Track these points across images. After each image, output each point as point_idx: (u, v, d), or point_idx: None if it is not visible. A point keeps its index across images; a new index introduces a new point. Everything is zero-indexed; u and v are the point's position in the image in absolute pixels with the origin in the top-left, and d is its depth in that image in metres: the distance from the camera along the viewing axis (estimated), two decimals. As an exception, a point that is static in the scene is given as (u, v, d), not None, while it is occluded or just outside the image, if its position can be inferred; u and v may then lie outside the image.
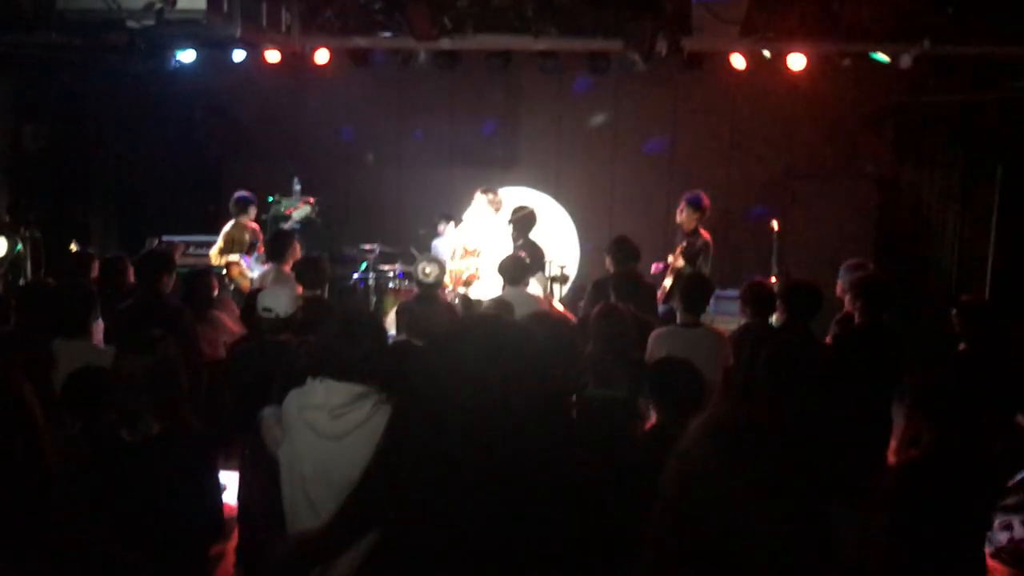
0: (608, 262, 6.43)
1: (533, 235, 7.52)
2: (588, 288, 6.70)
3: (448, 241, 8.34)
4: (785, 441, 1.37)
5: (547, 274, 7.73)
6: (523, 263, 6.40)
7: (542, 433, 1.26)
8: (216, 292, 6.01)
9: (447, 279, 7.32)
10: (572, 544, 1.26)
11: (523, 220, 7.47)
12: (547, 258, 7.72)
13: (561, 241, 9.87)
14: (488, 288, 7.24)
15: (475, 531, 1.20)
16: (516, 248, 7.25)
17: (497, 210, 7.70)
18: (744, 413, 1.45)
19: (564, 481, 1.27)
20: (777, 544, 1.30)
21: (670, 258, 7.31)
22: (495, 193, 7.78)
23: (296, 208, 8.57)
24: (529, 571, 1.21)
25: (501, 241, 7.46)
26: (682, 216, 7.41)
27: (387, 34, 8.15)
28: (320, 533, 1.41)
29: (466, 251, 7.64)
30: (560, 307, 6.95)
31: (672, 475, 1.40)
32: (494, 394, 1.24)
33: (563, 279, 7.94)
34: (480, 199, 7.69)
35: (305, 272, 5.80)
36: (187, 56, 8.54)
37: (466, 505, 1.21)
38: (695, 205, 7.40)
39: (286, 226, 8.30)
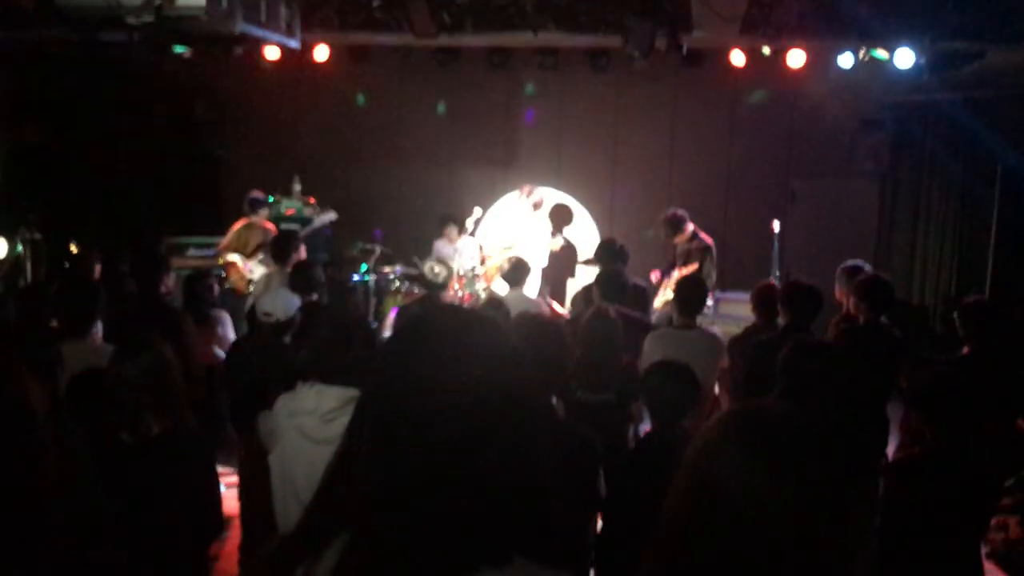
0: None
1: (568, 232, 7.56)
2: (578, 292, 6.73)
3: (463, 243, 8.36)
4: (813, 435, 1.36)
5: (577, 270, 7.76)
6: (523, 266, 6.41)
7: (510, 426, 1.24)
8: (216, 294, 5.98)
9: (483, 275, 7.38)
10: (541, 538, 1.26)
11: (560, 216, 7.51)
12: (580, 256, 7.76)
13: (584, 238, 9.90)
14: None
15: (436, 523, 1.20)
16: (552, 247, 7.31)
17: (537, 208, 7.76)
18: (769, 407, 1.43)
19: (532, 475, 1.27)
20: (803, 541, 1.29)
21: (670, 277, 7.31)
22: (537, 191, 7.86)
23: (314, 212, 8.58)
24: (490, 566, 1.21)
25: (539, 236, 7.52)
26: (673, 239, 7.43)
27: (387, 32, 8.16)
28: (292, 536, 1.40)
29: (501, 249, 7.71)
30: (561, 309, 6.96)
31: (688, 472, 1.38)
32: (459, 384, 1.23)
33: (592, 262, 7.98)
34: (523, 200, 7.76)
35: (297, 278, 5.77)
36: (186, 53, 8.53)
37: (428, 497, 1.20)
38: (671, 224, 7.42)
39: (304, 230, 8.29)
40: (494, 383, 1.25)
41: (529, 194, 7.83)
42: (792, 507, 1.27)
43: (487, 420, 1.23)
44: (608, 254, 6.40)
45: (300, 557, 1.31)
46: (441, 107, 10.08)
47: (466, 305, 6.81)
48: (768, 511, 1.27)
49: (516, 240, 7.75)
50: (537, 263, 6.78)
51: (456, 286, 7.70)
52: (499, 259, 7.68)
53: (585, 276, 7.92)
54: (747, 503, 1.28)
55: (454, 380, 1.24)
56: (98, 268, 6.33)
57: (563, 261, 7.73)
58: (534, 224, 7.75)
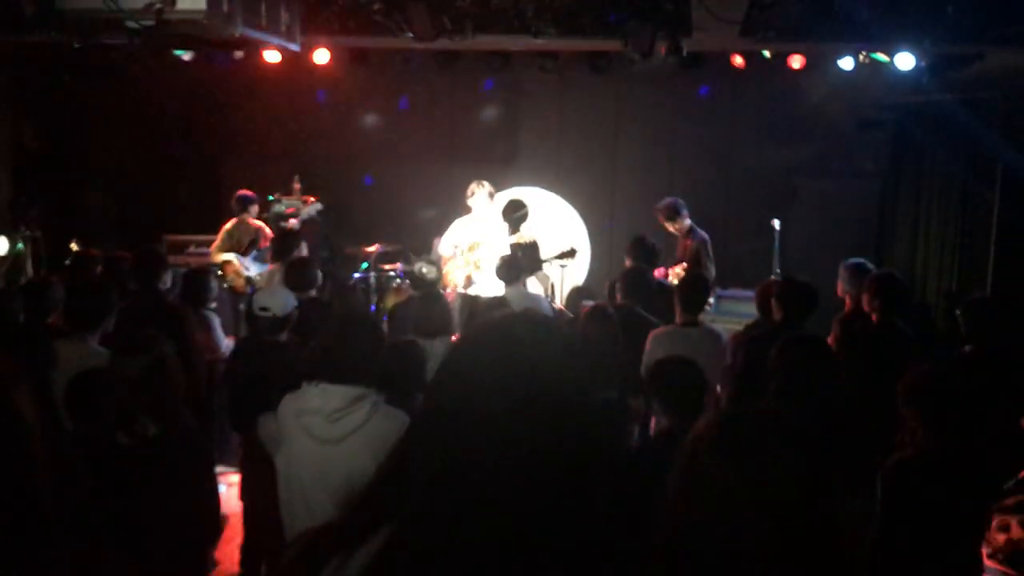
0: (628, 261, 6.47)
1: (527, 229, 7.53)
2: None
3: (447, 240, 8.33)
4: (795, 437, 1.36)
5: (545, 266, 7.72)
6: (517, 262, 6.41)
7: (568, 438, 1.22)
8: (214, 292, 6.01)
9: (447, 279, 7.35)
10: (587, 551, 1.25)
11: (518, 217, 7.48)
12: (542, 252, 7.71)
13: (569, 231, 9.83)
14: (489, 284, 7.23)
15: (491, 536, 1.18)
16: (513, 243, 7.26)
17: (492, 199, 7.69)
18: (753, 409, 1.44)
19: (586, 487, 1.25)
20: (788, 544, 1.29)
21: (672, 272, 7.32)
22: (488, 184, 7.77)
23: (304, 207, 8.59)
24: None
25: (499, 235, 7.47)
26: (669, 228, 7.49)
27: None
28: (328, 531, 1.38)
29: (466, 248, 7.63)
30: (560, 305, 6.96)
31: (678, 474, 1.39)
32: (519, 396, 1.21)
33: (571, 253, 7.93)
34: (480, 193, 7.68)
35: (293, 275, 5.79)
36: (187, 56, 8.54)
37: (482, 509, 1.18)
38: (666, 213, 7.48)
39: (291, 224, 8.31)
40: (561, 392, 1.22)
41: (481, 185, 7.73)
42: (775, 507, 1.27)
43: (556, 428, 1.20)
44: (641, 251, 6.39)
45: (334, 550, 1.30)
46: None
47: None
48: (752, 511, 1.28)
49: (477, 240, 7.65)
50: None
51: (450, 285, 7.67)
52: (460, 262, 7.61)
53: (564, 272, 7.98)
54: (732, 503, 1.29)
55: (520, 387, 1.21)
56: (99, 268, 6.33)
57: (526, 255, 7.64)
58: (493, 219, 7.65)
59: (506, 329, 1.31)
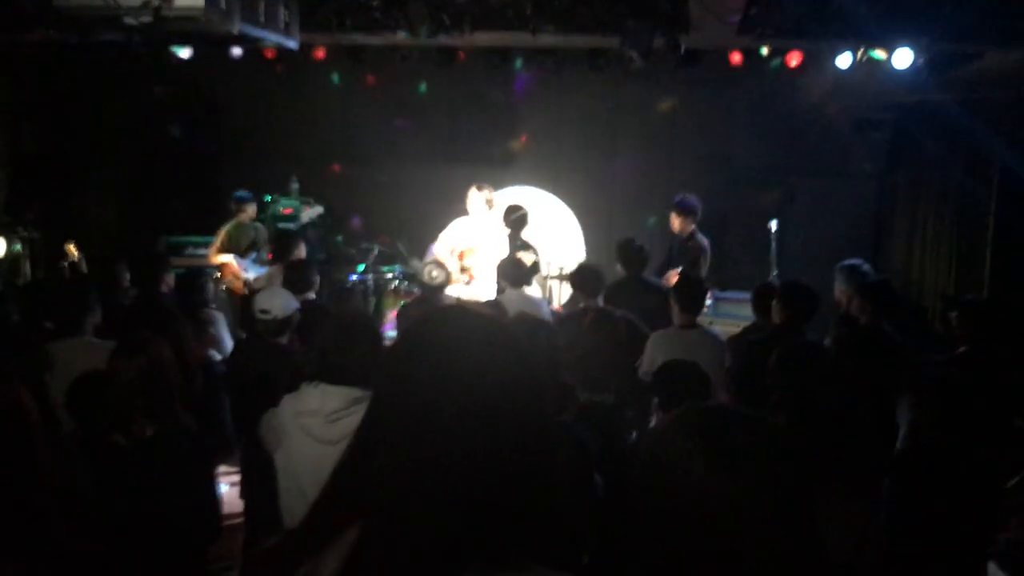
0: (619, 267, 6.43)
1: (526, 235, 7.52)
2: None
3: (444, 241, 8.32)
4: (778, 441, 1.36)
5: (544, 274, 7.72)
6: (523, 265, 6.40)
7: (520, 428, 1.25)
8: (211, 293, 6.00)
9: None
10: (551, 542, 1.26)
11: (518, 221, 7.45)
12: (540, 258, 7.69)
13: (565, 240, 9.84)
14: (485, 288, 7.22)
15: (449, 525, 1.20)
16: (514, 248, 7.23)
17: (491, 207, 7.65)
18: (724, 406, 1.44)
19: (544, 477, 1.27)
20: (767, 549, 1.29)
21: (672, 274, 7.29)
22: (489, 189, 7.73)
23: (305, 210, 8.58)
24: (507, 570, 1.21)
25: (497, 240, 7.45)
26: (676, 223, 7.40)
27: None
28: (296, 532, 1.40)
29: (461, 252, 7.60)
30: (558, 308, 6.95)
31: (642, 468, 1.39)
32: (469, 386, 1.24)
33: (564, 278, 7.92)
34: (477, 196, 7.64)
35: (292, 277, 5.78)
36: (184, 53, 8.53)
37: (440, 499, 1.20)
38: (683, 208, 7.37)
39: (294, 226, 8.31)
40: (500, 380, 1.26)
41: (480, 189, 7.69)
42: (755, 511, 1.27)
43: (496, 415, 1.23)
44: (629, 256, 6.33)
45: (304, 554, 1.31)
46: (423, 87, 10.08)
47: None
48: (731, 515, 1.28)
49: (475, 243, 7.62)
50: (494, 264, 6.74)
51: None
52: (456, 265, 7.58)
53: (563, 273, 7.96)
54: (710, 506, 1.29)
55: (461, 377, 1.24)
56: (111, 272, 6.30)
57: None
58: (491, 225, 7.62)
59: (443, 322, 1.34)
